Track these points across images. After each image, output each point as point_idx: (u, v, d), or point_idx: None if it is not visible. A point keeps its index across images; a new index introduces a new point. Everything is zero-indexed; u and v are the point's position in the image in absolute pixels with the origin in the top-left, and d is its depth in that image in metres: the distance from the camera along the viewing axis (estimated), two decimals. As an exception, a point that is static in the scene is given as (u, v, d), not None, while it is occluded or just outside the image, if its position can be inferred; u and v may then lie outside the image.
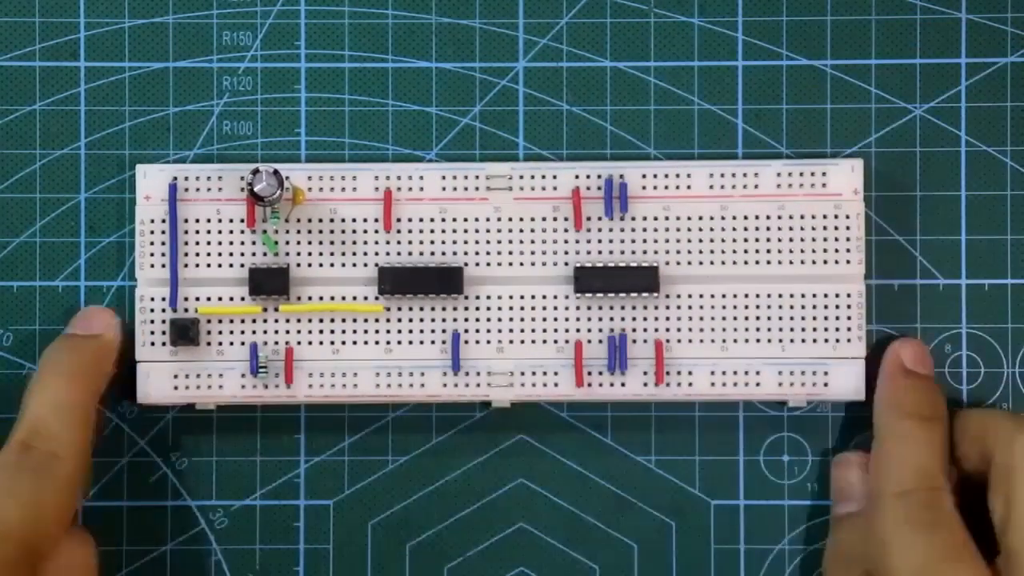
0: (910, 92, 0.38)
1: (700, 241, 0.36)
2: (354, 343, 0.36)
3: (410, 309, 0.36)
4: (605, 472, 0.38)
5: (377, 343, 0.36)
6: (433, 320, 0.36)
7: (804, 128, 0.38)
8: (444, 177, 0.36)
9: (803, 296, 0.36)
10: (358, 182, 0.36)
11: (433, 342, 0.36)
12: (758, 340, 0.36)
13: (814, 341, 0.36)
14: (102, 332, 0.36)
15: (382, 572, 0.38)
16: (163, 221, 0.36)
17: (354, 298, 0.36)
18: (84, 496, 0.37)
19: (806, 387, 0.36)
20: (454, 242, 0.36)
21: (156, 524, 0.38)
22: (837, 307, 0.36)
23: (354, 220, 0.36)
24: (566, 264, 0.36)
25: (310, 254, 0.36)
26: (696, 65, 0.38)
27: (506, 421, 0.38)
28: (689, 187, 0.36)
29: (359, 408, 0.37)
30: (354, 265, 0.36)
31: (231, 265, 0.36)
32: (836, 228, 0.36)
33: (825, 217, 0.36)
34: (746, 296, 0.36)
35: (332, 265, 0.36)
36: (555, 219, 0.36)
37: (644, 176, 0.36)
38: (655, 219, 0.36)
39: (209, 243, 0.36)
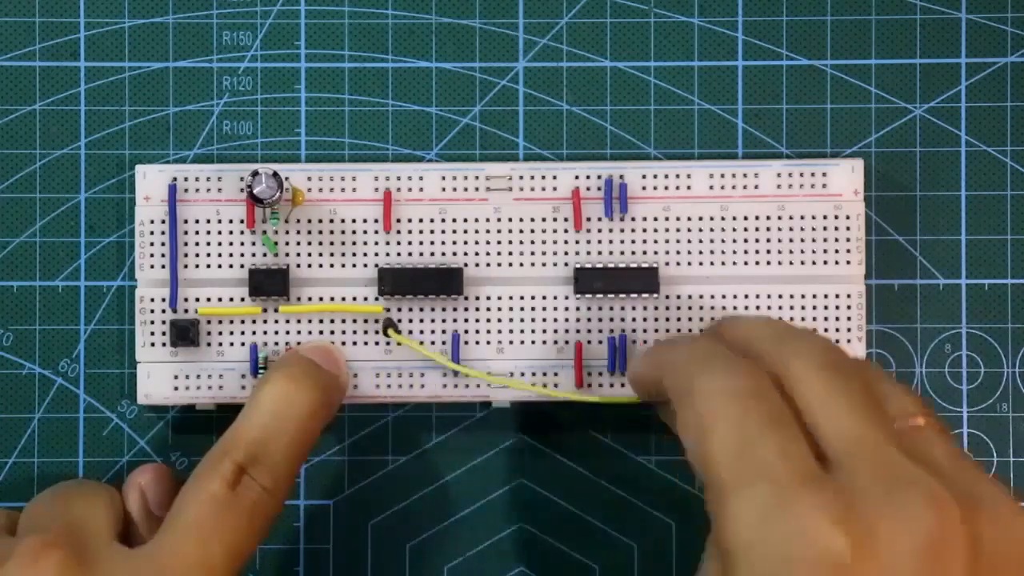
0: (910, 92, 0.38)
1: (700, 242, 0.36)
2: (354, 343, 0.36)
3: (410, 310, 0.36)
4: (605, 472, 0.38)
5: (377, 343, 0.36)
6: (433, 321, 0.36)
7: (804, 128, 0.38)
8: (444, 177, 0.36)
9: (803, 296, 0.36)
10: (358, 182, 0.36)
11: (433, 342, 0.36)
12: (758, 340, 0.36)
13: (814, 342, 0.36)
14: (340, 375, 0.35)
15: (382, 572, 0.38)
16: (163, 222, 0.36)
17: (354, 299, 0.36)
18: None
19: (806, 387, 0.36)
20: (454, 243, 0.36)
21: (156, 524, 0.38)
22: (837, 307, 0.36)
23: (354, 221, 0.36)
24: (566, 265, 0.36)
25: (310, 255, 0.36)
26: (696, 65, 0.38)
27: (506, 421, 0.38)
28: (689, 187, 0.36)
29: (359, 408, 0.37)
30: (354, 266, 0.36)
31: (231, 266, 0.36)
32: (836, 228, 0.36)
33: (825, 218, 0.36)
34: (746, 297, 0.36)
35: (332, 266, 0.36)
36: (555, 220, 0.36)
37: (644, 176, 0.36)
38: (655, 220, 0.36)
39: (209, 244, 0.36)
